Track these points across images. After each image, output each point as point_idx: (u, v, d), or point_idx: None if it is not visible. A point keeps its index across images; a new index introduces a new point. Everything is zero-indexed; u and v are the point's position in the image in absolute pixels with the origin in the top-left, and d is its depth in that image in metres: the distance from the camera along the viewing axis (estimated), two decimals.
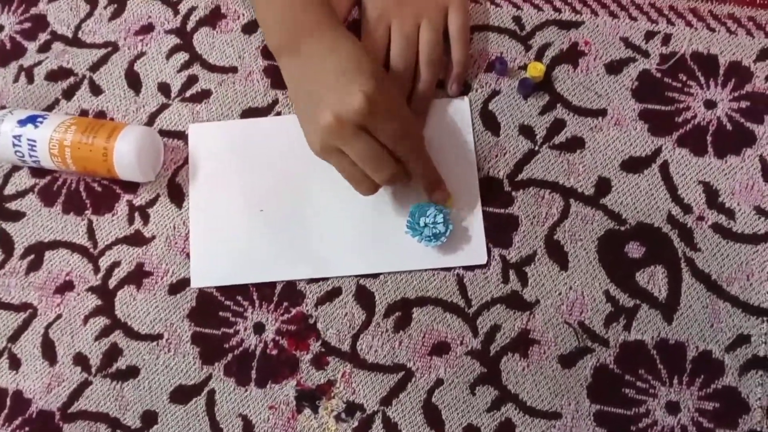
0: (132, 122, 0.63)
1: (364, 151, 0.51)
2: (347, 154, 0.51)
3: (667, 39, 0.61)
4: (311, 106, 0.52)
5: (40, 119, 0.58)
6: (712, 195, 0.57)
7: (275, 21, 0.55)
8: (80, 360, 0.58)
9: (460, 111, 0.60)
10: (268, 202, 0.60)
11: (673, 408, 0.53)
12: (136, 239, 0.60)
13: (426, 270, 0.57)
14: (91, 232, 0.60)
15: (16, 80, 0.64)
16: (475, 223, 0.58)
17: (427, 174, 0.56)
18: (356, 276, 0.58)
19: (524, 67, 0.61)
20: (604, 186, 0.58)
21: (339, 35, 0.53)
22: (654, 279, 0.56)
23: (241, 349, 0.57)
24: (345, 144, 0.51)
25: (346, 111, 0.49)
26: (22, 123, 0.58)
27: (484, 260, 0.57)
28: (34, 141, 0.57)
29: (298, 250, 0.58)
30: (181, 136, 0.62)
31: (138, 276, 0.59)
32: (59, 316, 0.59)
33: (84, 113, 0.63)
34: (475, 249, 0.58)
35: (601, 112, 0.60)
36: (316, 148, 0.52)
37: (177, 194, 0.61)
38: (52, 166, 0.59)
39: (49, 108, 0.63)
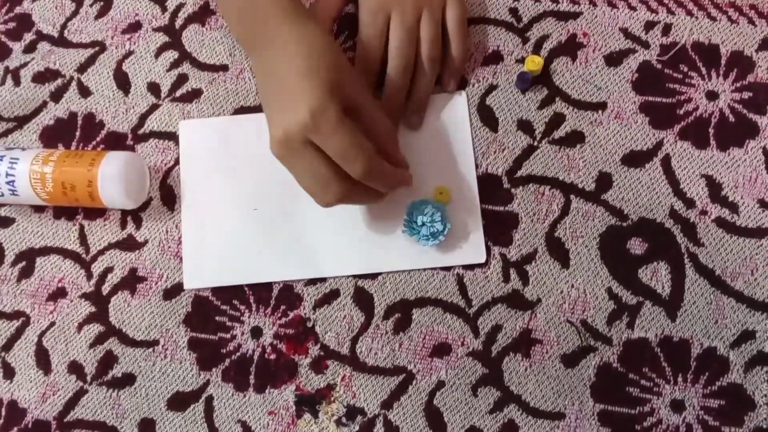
0: (122, 125, 0.61)
1: (308, 169, 0.48)
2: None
3: (667, 29, 0.59)
4: (266, 110, 0.50)
5: (13, 159, 0.56)
6: (715, 188, 0.56)
7: (236, 8, 0.54)
8: (75, 368, 0.57)
9: (457, 106, 0.59)
10: (262, 200, 0.58)
11: (678, 406, 0.53)
12: (129, 244, 0.59)
13: (425, 270, 0.56)
14: (83, 238, 0.59)
15: (2, 83, 0.63)
16: (474, 221, 0.57)
17: (387, 186, 0.52)
18: (354, 276, 0.57)
19: (522, 60, 0.60)
20: (605, 181, 0.57)
21: (296, 27, 0.50)
22: (657, 275, 0.55)
23: (238, 354, 0.56)
24: (290, 160, 0.49)
25: (289, 125, 0.47)
26: None
27: (483, 259, 0.56)
28: (13, 177, 0.55)
29: (293, 250, 0.57)
30: (172, 137, 0.61)
31: (132, 281, 0.58)
32: (53, 324, 0.57)
33: (73, 116, 0.62)
34: (473, 247, 0.57)
35: (601, 106, 0.58)
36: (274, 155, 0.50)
37: (169, 197, 0.59)
38: (32, 199, 0.57)
39: (38, 110, 0.62)
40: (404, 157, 0.56)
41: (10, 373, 0.57)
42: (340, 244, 0.57)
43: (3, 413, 0.56)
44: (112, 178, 0.55)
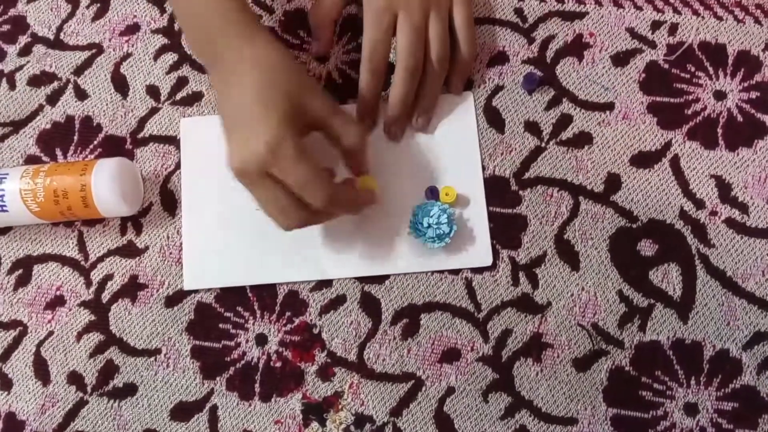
0: (120, 129, 0.60)
1: (268, 199, 0.48)
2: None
3: (673, 29, 0.59)
4: (226, 132, 0.49)
5: (2, 175, 0.55)
6: (724, 189, 0.56)
7: (186, 20, 0.52)
8: (75, 378, 0.55)
9: (464, 107, 0.58)
10: None
11: (691, 409, 0.52)
12: (129, 250, 0.57)
13: (433, 274, 0.55)
14: (81, 244, 0.58)
15: None
16: (481, 223, 0.56)
17: (349, 212, 0.52)
18: (360, 281, 0.56)
19: (528, 61, 0.59)
20: (614, 182, 0.56)
21: (245, 44, 0.49)
22: (668, 277, 0.54)
23: (243, 362, 0.55)
24: (251, 188, 0.48)
25: (246, 158, 0.46)
26: None
27: (489, 262, 0.55)
28: (2, 191, 0.54)
29: (296, 251, 0.56)
30: (173, 141, 0.59)
31: (132, 289, 0.56)
32: (51, 333, 0.56)
33: (70, 119, 0.60)
34: (480, 250, 0.56)
35: (609, 106, 0.58)
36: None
37: (170, 202, 0.58)
38: (22, 213, 0.55)
39: (34, 114, 0.60)
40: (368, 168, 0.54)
41: (7, 385, 0.55)
42: (345, 245, 0.56)
43: (1, 426, 0.54)
44: (106, 180, 0.54)
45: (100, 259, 0.57)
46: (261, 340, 0.55)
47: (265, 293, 0.56)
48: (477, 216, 0.56)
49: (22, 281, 0.57)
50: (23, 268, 0.57)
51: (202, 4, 0.50)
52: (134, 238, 0.57)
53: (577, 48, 0.59)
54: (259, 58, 0.49)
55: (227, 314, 0.56)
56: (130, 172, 0.57)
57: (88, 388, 0.55)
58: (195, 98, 0.60)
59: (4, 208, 0.54)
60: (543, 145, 0.57)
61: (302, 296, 0.56)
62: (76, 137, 0.60)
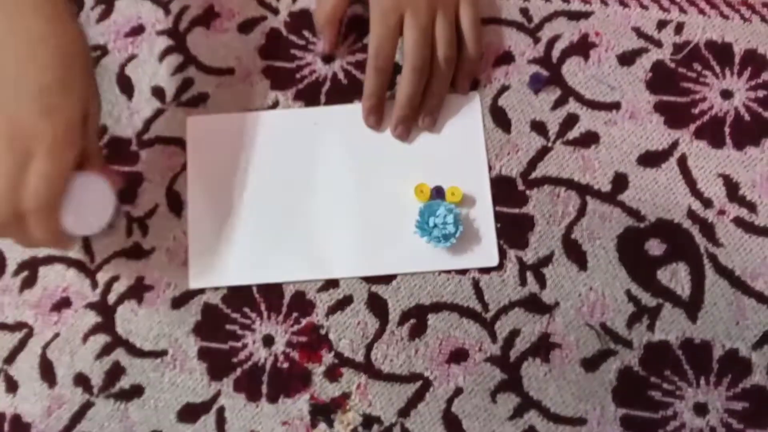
0: (125, 130, 0.60)
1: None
2: None
3: (680, 28, 0.59)
4: None
5: None
6: (732, 188, 0.56)
7: None
8: (81, 380, 0.55)
9: (470, 107, 0.58)
10: (270, 199, 0.57)
11: (701, 409, 0.52)
12: (135, 252, 0.57)
13: (440, 274, 0.55)
14: (87, 246, 0.57)
15: None
16: (487, 223, 0.56)
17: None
18: (367, 282, 0.55)
19: (534, 61, 0.59)
20: (621, 182, 0.56)
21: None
22: (676, 277, 0.54)
23: (250, 363, 0.54)
24: None
25: None
26: None
27: (495, 262, 0.55)
28: None
29: (302, 250, 0.56)
30: (179, 142, 0.59)
31: (138, 290, 0.56)
32: (57, 335, 0.56)
33: None
34: (486, 250, 0.56)
35: (615, 105, 0.58)
36: None
37: (176, 203, 0.58)
38: None
39: None
40: None
41: (13, 387, 0.55)
42: (350, 244, 0.56)
43: (7, 428, 0.54)
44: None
45: (106, 261, 0.57)
46: (268, 341, 0.55)
47: (271, 294, 0.56)
48: (483, 216, 0.56)
49: (28, 283, 0.57)
50: (29, 270, 0.57)
51: None
52: (140, 240, 0.57)
53: (583, 47, 0.59)
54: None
55: (234, 315, 0.55)
56: (87, 190, 0.49)
57: (95, 390, 0.55)
58: (201, 99, 0.60)
59: None
60: (549, 144, 0.57)
61: (309, 297, 0.55)
62: None
